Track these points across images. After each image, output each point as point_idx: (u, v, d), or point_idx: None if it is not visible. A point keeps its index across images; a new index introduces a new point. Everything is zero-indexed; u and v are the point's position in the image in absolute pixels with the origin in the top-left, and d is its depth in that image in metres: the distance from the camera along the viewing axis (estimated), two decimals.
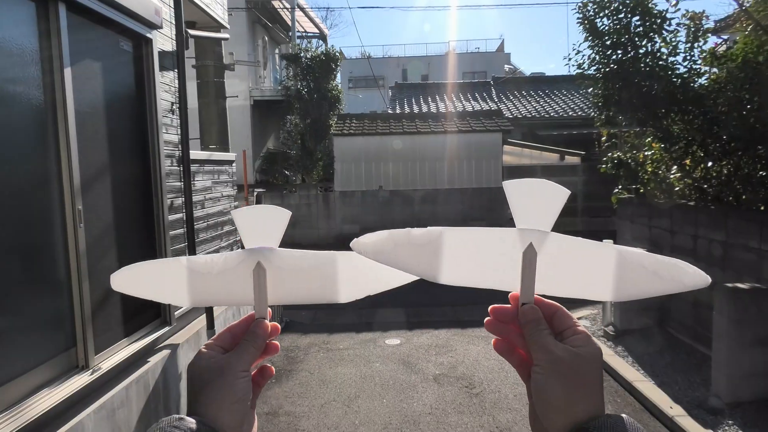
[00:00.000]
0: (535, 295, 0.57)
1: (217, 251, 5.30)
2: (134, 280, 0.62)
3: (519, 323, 0.57)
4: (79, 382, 2.92)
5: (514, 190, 0.58)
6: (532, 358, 0.55)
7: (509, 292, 0.59)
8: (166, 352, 3.82)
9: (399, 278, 0.61)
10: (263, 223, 0.61)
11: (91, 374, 3.03)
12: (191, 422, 0.50)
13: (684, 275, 0.55)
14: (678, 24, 5.61)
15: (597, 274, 0.57)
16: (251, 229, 0.61)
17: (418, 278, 0.59)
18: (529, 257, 0.56)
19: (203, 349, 0.57)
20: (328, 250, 0.61)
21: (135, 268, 0.62)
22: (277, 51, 18.28)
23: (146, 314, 3.84)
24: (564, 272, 0.58)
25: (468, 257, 0.58)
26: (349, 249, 0.59)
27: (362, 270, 0.61)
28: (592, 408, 0.51)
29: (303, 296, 0.62)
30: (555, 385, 0.52)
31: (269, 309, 0.60)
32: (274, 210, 0.62)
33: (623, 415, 0.50)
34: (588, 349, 0.53)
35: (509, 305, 0.59)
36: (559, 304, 0.57)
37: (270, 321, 0.60)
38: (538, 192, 0.57)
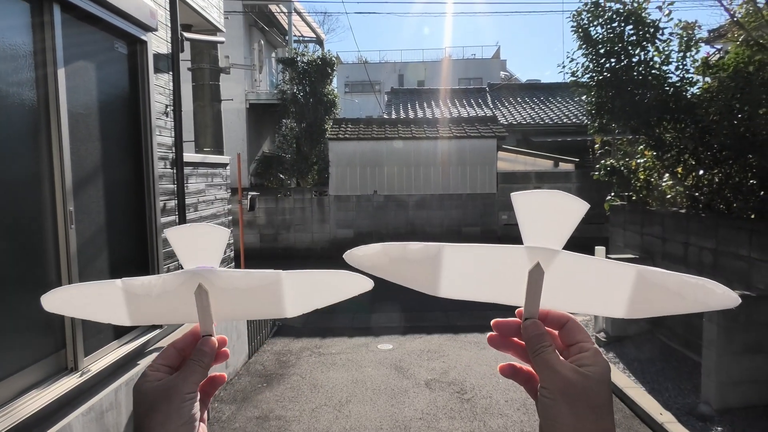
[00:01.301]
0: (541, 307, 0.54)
1: None
2: (68, 301, 0.59)
3: (522, 338, 0.54)
4: (68, 384, 2.90)
5: (524, 203, 0.53)
6: (538, 377, 0.52)
7: (513, 306, 0.57)
8: (156, 356, 3.81)
9: (349, 290, 0.58)
10: (201, 242, 0.58)
11: (80, 376, 3.01)
12: None
13: (710, 296, 0.50)
14: (671, 33, 5.67)
15: (611, 292, 0.53)
16: (189, 249, 0.58)
17: (367, 291, 0.57)
18: (536, 276, 0.53)
19: (148, 370, 0.56)
20: (273, 270, 0.57)
21: (67, 290, 0.59)
22: (273, 55, 18.30)
23: None
24: (573, 290, 0.54)
25: (469, 274, 0.55)
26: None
27: (309, 285, 0.59)
28: None
29: (248, 313, 0.61)
30: (563, 410, 0.49)
31: (214, 322, 0.59)
32: (212, 228, 0.59)
33: None
34: (596, 368, 0.50)
35: (512, 319, 0.57)
36: (570, 315, 0.55)
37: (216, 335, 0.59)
38: (550, 206, 0.52)
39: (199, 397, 0.56)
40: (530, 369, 0.56)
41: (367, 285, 0.57)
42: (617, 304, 0.53)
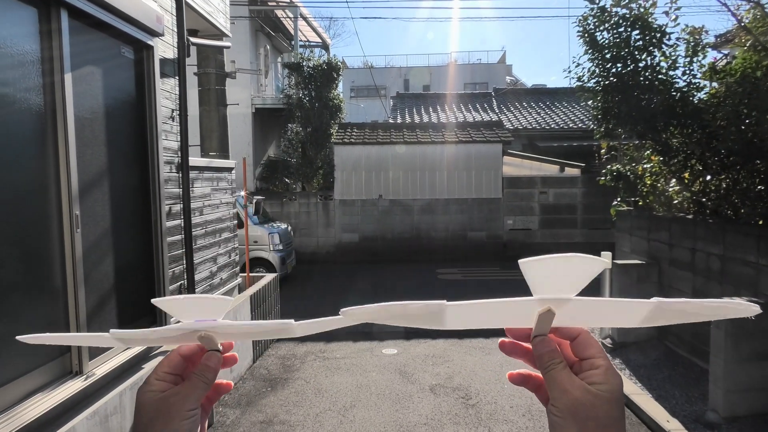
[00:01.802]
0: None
1: (214, 258, 5.29)
2: (51, 338, 0.57)
3: (534, 355, 0.54)
4: (72, 387, 2.91)
5: (533, 270, 0.50)
6: (549, 394, 0.52)
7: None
8: (161, 359, 3.81)
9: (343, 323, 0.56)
10: (201, 307, 0.56)
11: (84, 380, 3.02)
12: None
13: (729, 311, 0.50)
14: (677, 38, 5.64)
15: (626, 319, 0.52)
16: (186, 311, 0.56)
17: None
18: (546, 317, 0.52)
19: (153, 378, 0.55)
20: (285, 321, 0.55)
21: (51, 338, 0.57)
22: (279, 59, 18.39)
23: (142, 320, 3.84)
24: (587, 318, 0.53)
25: (475, 320, 0.53)
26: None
27: (318, 326, 0.56)
28: None
29: (254, 337, 0.61)
30: (572, 430, 0.48)
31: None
32: (212, 300, 0.56)
33: None
34: (607, 386, 0.49)
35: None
36: (582, 328, 0.54)
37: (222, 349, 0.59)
38: (562, 271, 0.50)
39: (198, 416, 0.55)
40: (539, 375, 0.55)
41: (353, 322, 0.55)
42: (632, 322, 0.52)
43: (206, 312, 0.56)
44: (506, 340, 0.56)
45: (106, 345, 0.58)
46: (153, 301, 0.57)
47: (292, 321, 0.54)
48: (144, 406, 0.53)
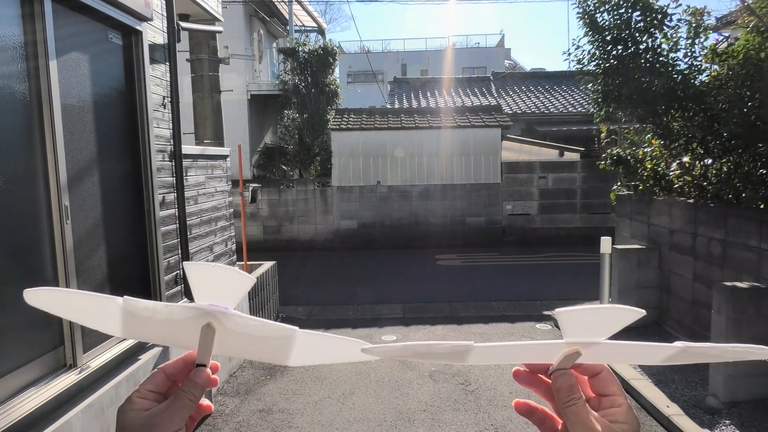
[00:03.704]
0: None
1: (210, 247, 5.24)
2: (56, 302, 0.55)
3: (552, 388, 0.54)
4: (66, 380, 2.87)
5: (569, 319, 0.52)
6: (568, 429, 0.51)
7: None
8: (158, 350, 3.77)
9: (351, 356, 0.55)
10: (222, 284, 0.54)
11: (79, 373, 2.98)
12: None
13: (747, 355, 0.52)
14: (679, 20, 5.54)
15: (650, 357, 0.55)
16: (206, 287, 0.54)
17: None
18: (571, 356, 0.53)
19: (135, 396, 0.53)
20: (291, 326, 0.54)
21: (59, 292, 0.55)
22: (274, 45, 18.16)
23: None
24: (610, 356, 0.55)
25: (499, 359, 0.56)
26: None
27: (320, 346, 0.57)
28: None
29: (250, 353, 0.59)
30: None
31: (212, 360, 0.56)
32: (238, 274, 0.54)
33: None
34: (628, 426, 0.50)
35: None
36: (604, 365, 0.54)
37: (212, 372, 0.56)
38: (597, 318, 0.52)
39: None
40: (545, 409, 0.55)
41: (371, 358, 0.55)
42: (654, 361, 0.55)
43: (227, 291, 0.54)
44: (521, 369, 0.56)
45: (106, 329, 0.56)
46: (184, 264, 0.56)
47: (297, 329, 0.54)
48: (127, 426, 0.50)
